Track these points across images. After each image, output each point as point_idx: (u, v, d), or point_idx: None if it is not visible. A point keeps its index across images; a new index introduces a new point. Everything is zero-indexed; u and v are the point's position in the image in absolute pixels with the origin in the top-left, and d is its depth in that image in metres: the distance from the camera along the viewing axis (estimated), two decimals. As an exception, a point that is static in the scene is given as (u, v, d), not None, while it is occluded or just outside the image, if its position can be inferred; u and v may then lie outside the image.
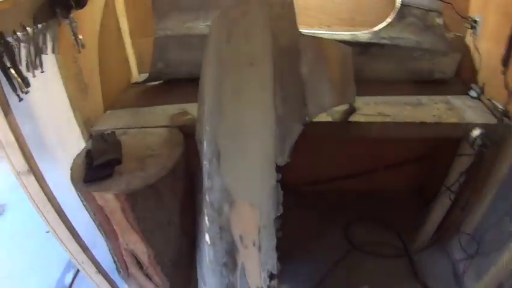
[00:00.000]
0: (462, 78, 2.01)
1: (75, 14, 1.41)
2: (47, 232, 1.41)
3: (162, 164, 1.36)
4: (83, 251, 1.50)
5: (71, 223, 1.42)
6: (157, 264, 1.53)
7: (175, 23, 1.70)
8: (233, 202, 1.23)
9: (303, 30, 1.44)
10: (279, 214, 1.22)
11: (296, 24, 1.32)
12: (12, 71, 1.14)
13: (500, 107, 1.68)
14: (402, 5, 1.79)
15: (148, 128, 1.58)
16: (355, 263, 2.19)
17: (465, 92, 1.87)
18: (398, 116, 1.61)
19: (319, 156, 2.35)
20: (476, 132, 1.60)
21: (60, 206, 1.36)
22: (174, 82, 1.89)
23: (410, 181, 2.63)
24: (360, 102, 1.66)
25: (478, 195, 1.90)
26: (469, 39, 1.96)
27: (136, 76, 2.09)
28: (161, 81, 1.96)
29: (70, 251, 1.49)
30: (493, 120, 1.66)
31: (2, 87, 1.12)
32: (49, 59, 1.35)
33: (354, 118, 1.59)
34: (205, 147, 1.25)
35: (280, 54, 1.24)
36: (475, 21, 1.90)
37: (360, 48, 1.76)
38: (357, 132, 1.61)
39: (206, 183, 1.26)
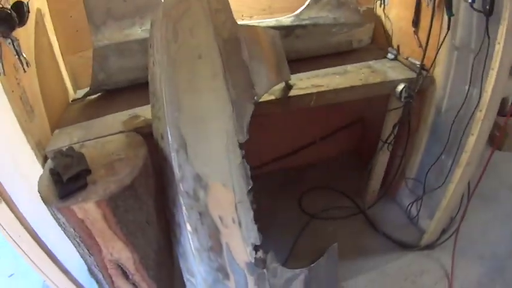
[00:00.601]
0: (378, 44, 2.38)
1: (14, 32, 1.48)
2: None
3: (132, 164, 1.46)
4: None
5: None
6: (143, 269, 1.62)
7: (112, 31, 1.82)
8: (207, 186, 1.40)
9: None
10: (250, 187, 1.42)
11: (233, 15, 1.53)
12: None
13: (417, 62, 2.03)
14: None
15: (104, 137, 1.68)
16: (316, 230, 2.49)
17: (383, 56, 2.24)
18: (330, 84, 1.91)
19: (260, 140, 2.57)
20: (400, 86, 1.96)
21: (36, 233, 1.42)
22: (116, 92, 1.99)
23: (347, 146, 3.04)
24: (295, 78, 1.93)
25: (414, 141, 2.27)
26: (379, 10, 2.33)
27: (72, 94, 2.16)
28: (101, 94, 2.06)
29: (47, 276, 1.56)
30: (412, 75, 2.01)
31: None
32: None
33: (293, 93, 1.85)
34: (170, 140, 1.40)
35: (224, 44, 1.44)
36: None
37: (285, 31, 2.02)
38: (298, 104, 1.87)
39: (177, 174, 1.41)
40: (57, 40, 2.07)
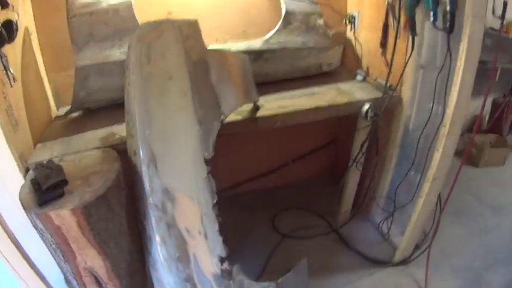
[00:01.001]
0: (348, 67, 2.59)
1: (3, 49, 1.66)
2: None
3: (106, 177, 1.62)
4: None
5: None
6: (115, 278, 1.75)
7: (93, 52, 2.00)
8: (174, 199, 1.56)
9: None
10: (215, 201, 1.58)
11: (202, 40, 1.72)
12: None
13: (383, 82, 2.22)
14: (287, 13, 2.30)
15: (81, 152, 1.84)
16: (289, 249, 2.64)
17: (353, 78, 2.44)
18: (296, 106, 2.09)
19: (234, 161, 2.80)
20: (366, 106, 2.15)
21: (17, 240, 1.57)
22: (96, 110, 2.18)
23: (321, 167, 3.23)
24: (263, 100, 2.10)
25: (384, 159, 2.45)
26: (349, 33, 2.54)
27: (55, 110, 2.34)
28: (82, 112, 2.24)
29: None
30: (379, 95, 2.20)
31: None
32: None
33: (260, 114, 2.03)
34: (141, 155, 1.56)
35: (193, 67, 1.63)
36: (353, 17, 2.50)
37: (254, 55, 2.21)
38: (264, 125, 2.05)
39: (147, 187, 1.56)
40: (43, 58, 2.27)
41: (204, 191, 1.57)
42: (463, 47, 1.75)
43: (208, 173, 1.57)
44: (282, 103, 2.12)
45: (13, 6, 1.80)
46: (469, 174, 3.38)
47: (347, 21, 2.51)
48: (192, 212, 1.58)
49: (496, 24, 2.10)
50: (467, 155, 3.33)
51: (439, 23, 1.87)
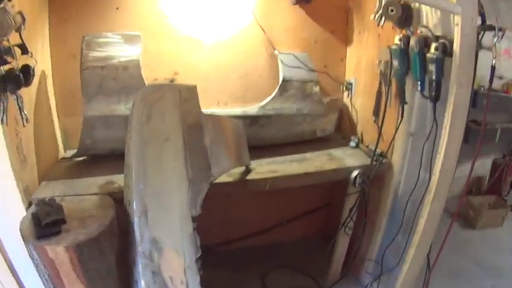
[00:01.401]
0: (343, 132, 2.82)
1: (19, 91, 1.90)
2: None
3: (100, 222, 1.82)
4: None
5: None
6: None
7: (101, 105, 2.26)
8: (161, 250, 1.76)
9: (204, 109, 2.05)
10: (198, 256, 1.78)
11: (199, 105, 1.96)
12: None
13: (377, 150, 2.41)
14: (284, 80, 2.56)
15: (81, 195, 2.07)
16: (277, 308, 2.77)
17: (346, 144, 2.66)
18: (286, 171, 2.31)
19: (229, 217, 3.06)
20: (355, 173, 2.35)
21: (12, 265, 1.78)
22: (100, 157, 2.42)
23: (313, 228, 3.42)
24: (255, 164, 2.33)
25: (373, 224, 2.63)
26: (346, 99, 2.78)
27: (62, 152, 2.61)
28: (87, 157, 2.49)
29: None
30: (368, 161, 2.40)
31: None
32: None
33: (250, 177, 2.24)
34: (135, 207, 1.78)
35: (188, 129, 1.87)
36: (350, 84, 2.75)
37: (250, 120, 2.45)
38: (253, 187, 2.26)
39: (137, 236, 1.77)
40: (56, 101, 2.56)
41: (189, 245, 1.77)
42: (448, 115, 1.91)
43: (194, 229, 1.78)
44: (272, 167, 2.34)
45: (32, 53, 2.05)
46: (466, 236, 3.53)
47: (344, 88, 2.77)
48: (176, 263, 1.78)
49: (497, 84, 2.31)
50: (459, 216, 3.56)
51: (426, 92, 2.05)
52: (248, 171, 2.29)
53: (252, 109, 2.52)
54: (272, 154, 2.51)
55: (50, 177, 2.28)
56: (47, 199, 1.91)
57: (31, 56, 2.05)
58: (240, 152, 2.18)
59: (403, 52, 2.13)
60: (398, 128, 2.28)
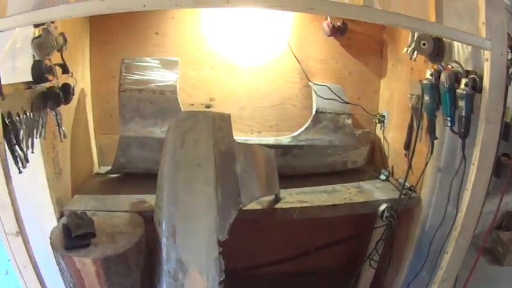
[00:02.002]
0: (375, 164, 2.96)
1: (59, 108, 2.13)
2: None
3: (129, 239, 2.00)
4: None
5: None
6: None
7: (137, 126, 2.48)
8: (186, 270, 1.93)
9: (238, 137, 2.25)
10: (222, 279, 1.94)
11: (232, 133, 2.15)
12: (17, 148, 1.73)
13: (407, 184, 2.52)
14: (317, 112, 2.73)
15: (113, 212, 2.27)
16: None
17: (376, 177, 2.80)
18: (315, 201, 2.45)
19: (257, 242, 3.20)
20: (383, 207, 2.48)
21: (38, 269, 1.91)
22: (133, 176, 2.64)
23: (341, 257, 3.52)
24: (285, 193, 2.48)
25: (399, 258, 2.71)
26: (379, 132, 2.93)
27: (97, 167, 2.86)
28: (120, 174, 2.71)
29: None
30: (397, 195, 2.50)
31: (6, 159, 1.65)
32: (35, 143, 1.96)
33: (278, 205, 2.39)
34: (164, 227, 1.96)
35: (220, 157, 2.05)
36: (383, 116, 2.90)
37: (282, 150, 2.61)
38: (282, 216, 2.43)
39: (164, 255, 1.95)
40: (93, 118, 2.81)
41: (213, 268, 1.93)
42: (476, 152, 1.95)
43: (219, 253, 1.94)
44: (302, 197, 2.49)
45: (72, 73, 2.30)
46: (493, 272, 3.47)
47: (377, 120, 2.92)
48: (200, 284, 1.95)
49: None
50: (487, 252, 3.54)
51: (456, 128, 2.09)
52: (277, 200, 2.45)
53: (285, 139, 2.68)
54: (302, 184, 2.65)
55: (83, 191, 2.50)
56: (79, 212, 2.14)
57: (71, 76, 2.30)
58: (271, 181, 2.35)
59: (434, 87, 2.20)
60: (427, 163, 2.38)
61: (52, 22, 2.07)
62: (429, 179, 2.46)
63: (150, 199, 2.36)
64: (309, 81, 2.88)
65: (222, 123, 2.15)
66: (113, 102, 2.66)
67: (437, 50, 2.24)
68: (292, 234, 3.17)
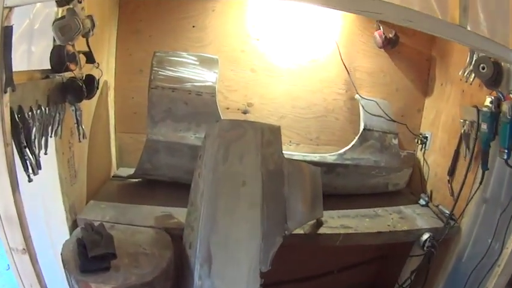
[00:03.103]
0: (412, 186, 2.58)
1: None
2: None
3: (156, 264, 1.61)
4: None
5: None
6: None
7: (167, 130, 2.03)
8: None
9: None
10: None
11: (281, 149, 1.73)
12: (27, 151, 1.36)
13: (446, 211, 2.23)
14: (365, 129, 2.32)
15: (135, 226, 1.85)
16: None
17: (415, 201, 2.43)
18: (359, 227, 2.07)
19: (279, 259, 2.75)
20: (425, 236, 2.12)
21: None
22: (157, 183, 2.19)
23: (364, 279, 3.11)
24: (327, 215, 2.08)
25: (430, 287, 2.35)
26: (419, 153, 2.55)
27: (115, 169, 2.39)
28: (142, 180, 2.26)
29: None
30: (439, 224, 2.20)
31: (14, 164, 1.29)
32: (49, 141, 1.58)
33: (322, 230, 2.00)
34: (198, 253, 1.56)
35: (268, 176, 1.64)
36: (426, 138, 2.52)
37: (327, 168, 2.20)
38: (324, 242, 2.05)
39: (197, 283, 1.56)
40: (115, 115, 2.35)
41: (253, 303, 1.54)
42: None
43: (260, 285, 1.57)
44: (345, 222, 2.12)
45: (98, 64, 1.85)
46: None
47: (419, 141, 2.53)
48: (237, 320, 1.56)
49: None
50: None
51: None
52: (319, 224, 2.06)
53: (331, 156, 2.28)
54: (344, 205, 2.27)
55: (100, 197, 2.07)
56: (95, 224, 1.71)
57: (97, 66, 1.85)
58: (315, 203, 1.95)
59: (494, 116, 1.90)
60: (475, 193, 2.05)
61: (80, 1, 1.61)
62: (472, 209, 2.12)
63: (178, 214, 1.94)
64: (357, 94, 2.47)
65: (271, 136, 1.72)
66: (139, 98, 2.26)
67: (496, 75, 1.88)
68: (314, 253, 2.77)
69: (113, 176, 2.33)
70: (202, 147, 1.73)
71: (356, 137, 2.32)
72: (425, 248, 2.12)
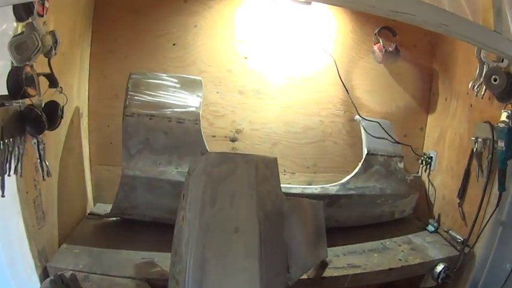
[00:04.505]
0: (418, 211, 2.21)
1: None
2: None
3: None
4: None
5: None
6: None
7: (145, 164, 1.64)
8: None
9: None
10: None
11: (279, 185, 1.37)
12: None
13: (458, 237, 1.87)
14: (369, 154, 1.95)
15: (112, 276, 1.45)
16: None
17: (423, 228, 2.08)
18: (368, 265, 1.69)
19: None
20: (439, 267, 1.77)
21: None
22: (137, 223, 1.77)
23: None
24: (330, 254, 1.70)
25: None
26: (424, 175, 2.20)
27: (92, 205, 1.97)
28: (121, 219, 1.84)
29: None
30: (453, 252, 1.85)
31: None
32: (9, 179, 1.23)
33: (327, 273, 1.62)
34: None
35: (265, 218, 1.26)
36: (430, 158, 2.18)
37: (329, 200, 1.83)
38: (331, 285, 1.64)
39: None
40: (89, 146, 1.94)
41: None
42: None
43: None
44: (351, 260, 1.73)
45: (62, 88, 1.47)
46: None
47: (424, 162, 2.17)
48: None
49: None
50: None
51: None
52: (324, 265, 1.66)
53: (332, 187, 1.88)
54: (347, 240, 1.88)
55: (74, 240, 1.64)
56: (67, 275, 1.33)
57: (61, 91, 1.46)
58: (319, 242, 1.58)
59: (511, 132, 1.60)
60: (491, 216, 1.70)
61: (41, 16, 1.26)
62: (487, 233, 1.77)
63: (161, 260, 1.54)
64: (358, 114, 2.08)
65: (266, 171, 1.34)
66: (115, 126, 1.84)
67: (509, 87, 1.57)
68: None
69: (89, 214, 1.90)
70: (185, 185, 1.34)
71: (360, 164, 1.94)
72: (439, 281, 1.76)
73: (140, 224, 1.75)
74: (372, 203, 1.96)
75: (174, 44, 1.95)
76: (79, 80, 1.79)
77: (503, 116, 1.64)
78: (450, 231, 1.95)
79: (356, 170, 1.92)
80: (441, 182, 2.10)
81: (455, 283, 1.90)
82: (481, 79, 1.72)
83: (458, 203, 1.93)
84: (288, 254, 1.33)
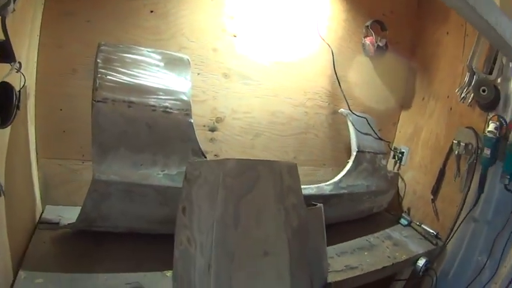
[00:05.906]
0: (389, 206, 2.12)
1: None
2: None
3: None
4: None
5: None
6: None
7: (122, 164, 1.21)
8: None
9: None
10: None
11: (302, 195, 1.11)
12: None
13: (431, 231, 1.87)
14: (359, 151, 1.78)
15: None
16: None
17: (396, 221, 2.01)
18: (363, 266, 1.56)
19: None
20: (422, 261, 1.74)
21: None
22: (107, 234, 1.33)
23: None
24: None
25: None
26: (391, 168, 2.12)
27: (39, 208, 1.45)
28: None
29: None
30: (431, 246, 1.83)
31: None
32: None
33: (331, 278, 1.41)
34: None
35: (293, 236, 1.02)
36: (402, 153, 2.11)
37: (322, 200, 1.53)
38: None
39: None
40: (36, 134, 1.43)
41: None
42: None
43: None
44: (347, 261, 1.56)
45: (20, 65, 1.02)
46: None
47: (396, 157, 2.08)
48: None
49: None
50: None
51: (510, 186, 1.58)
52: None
53: (327, 186, 1.65)
54: (334, 239, 1.66)
55: (32, 263, 1.16)
56: None
57: (18, 70, 1.01)
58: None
59: (498, 142, 1.62)
60: (467, 215, 1.71)
61: None
62: (460, 228, 1.78)
63: (149, 282, 1.17)
64: (348, 108, 1.87)
65: (290, 180, 1.07)
66: (70, 109, 1.42)
67: (494, 99, 1.65)
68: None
69: (40, 222, 1.38)
70: (184, 195, 1.03)
71: (350, 161, 1.76)
72: (420, 273, 1.72)
73: (111, 235, 1.32)
74: (358, 200, 1.82)
75: (152, 11, 1.52)
76: (27, 51, 1.27)
77: (491, 127, 1.63)
78: (423, 225, 1.93)
79: (348, 167, 1.75)
80: (412, 178, 2.05)
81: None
82: (470, 88, 1.73)
83: (432, 199, 1.90)
84: (311, 270, 1.11)
